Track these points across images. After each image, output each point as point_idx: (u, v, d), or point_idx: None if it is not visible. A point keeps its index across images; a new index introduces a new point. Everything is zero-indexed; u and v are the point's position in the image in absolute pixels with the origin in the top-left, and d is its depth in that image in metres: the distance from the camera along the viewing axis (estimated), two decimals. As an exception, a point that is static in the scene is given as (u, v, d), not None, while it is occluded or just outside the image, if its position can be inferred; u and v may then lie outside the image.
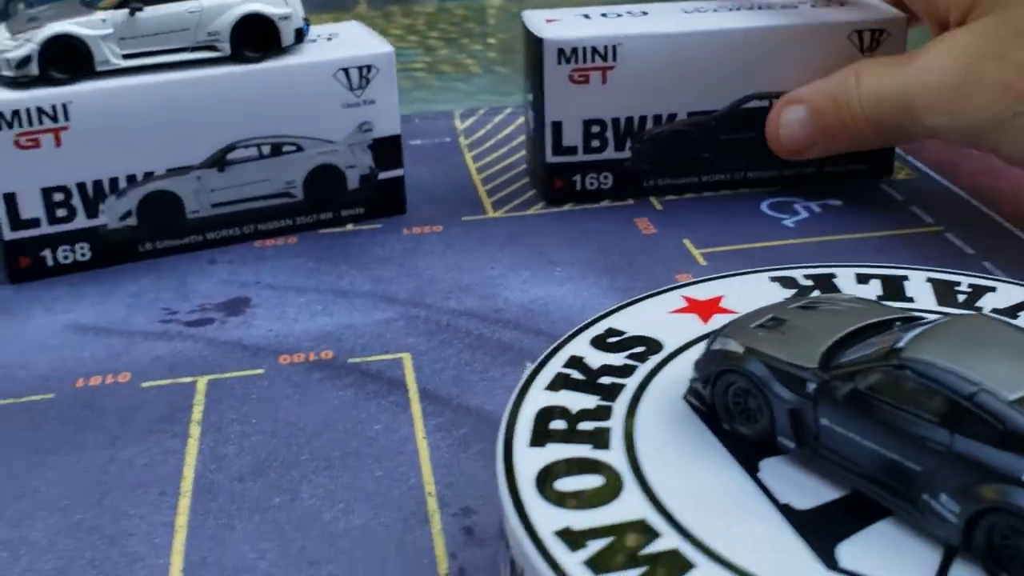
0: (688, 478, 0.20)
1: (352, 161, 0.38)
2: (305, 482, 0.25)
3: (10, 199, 0.34)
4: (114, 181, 0.35)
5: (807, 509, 0.19)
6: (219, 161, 0.36)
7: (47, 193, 0.34)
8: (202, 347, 0.31)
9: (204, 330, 0.32)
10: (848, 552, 0.18)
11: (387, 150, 0.38)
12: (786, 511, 0.19)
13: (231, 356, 0.31)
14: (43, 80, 0.33)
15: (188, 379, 0.29)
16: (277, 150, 0.37)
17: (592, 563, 0.18)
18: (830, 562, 0.18)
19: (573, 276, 0.35)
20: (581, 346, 0.24)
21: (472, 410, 0.28)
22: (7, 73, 0.33)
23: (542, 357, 0.24)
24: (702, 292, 0.26)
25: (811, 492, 0.20)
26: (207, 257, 0.36)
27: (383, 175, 0.39)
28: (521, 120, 0.49)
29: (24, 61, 0.33)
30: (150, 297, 0.34)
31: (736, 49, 0.38)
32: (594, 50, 0.37)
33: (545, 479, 0.20)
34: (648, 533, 0.19)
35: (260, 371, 0.30)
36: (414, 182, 0.41)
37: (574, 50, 0.37)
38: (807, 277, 0.26)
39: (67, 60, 0.34)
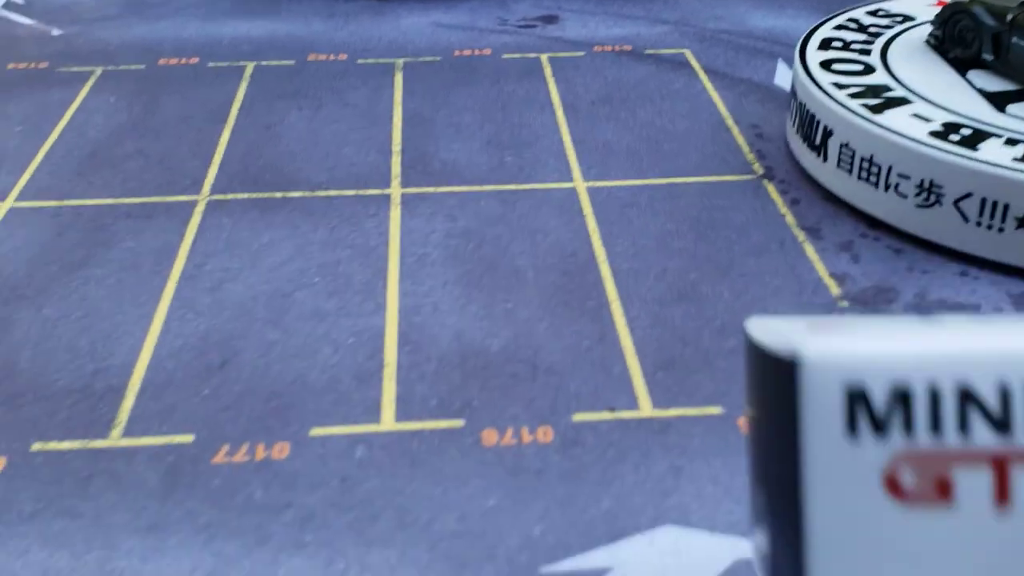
0: (918, 74, 0.33)
1: (625, -75, 0.50)
2: (638, 107, 0.38)
3: (383, -68, 0.47)
4: (456, -76, 0.48)
5: (994, 91, 0.32)
6: (531, -85, 0.48)
7: (408, -71, 0.47)
8: (534, 40, 0.44)
9: (531, 31, 0.45)
10: (1013, 108, 0.31)
11: (651, -81, 0.50)
12: (979, 91, 0.32)
13: (556, 44, 0.43)
14: None
15: (533, 55, 0.42)
16: (573, -90, 0.49)
17: (854, 95, 0.31)
18: (1001, 109, 0.30)
19: (802, 15, 0.47)
20: (857, 13, 0.36)
21: (743, 79, 0.40)
22: None
23: (827, 17, 0.36)
24: (949, -3, 0.38)
25: (998, 83, 0.32)
26: (516, -10, 0.49)
27: (645, -60, 0.51)
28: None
29: None
30: (483, 11, 0.47)
31: None
32: None
33: (824, 63, 0.33)
34: (886, 88, 0.31)
35: (581, 54, 0.43)
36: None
37: None
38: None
39: None
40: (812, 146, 0.32)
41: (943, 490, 0.11)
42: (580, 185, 0.33)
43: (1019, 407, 0.11)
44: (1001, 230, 0.27)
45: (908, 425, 0.11)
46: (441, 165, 0.34)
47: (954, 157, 0.27)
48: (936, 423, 0.11)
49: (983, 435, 0.11)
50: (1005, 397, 0.11)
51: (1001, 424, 0.11)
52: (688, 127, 0.37)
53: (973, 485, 0.11)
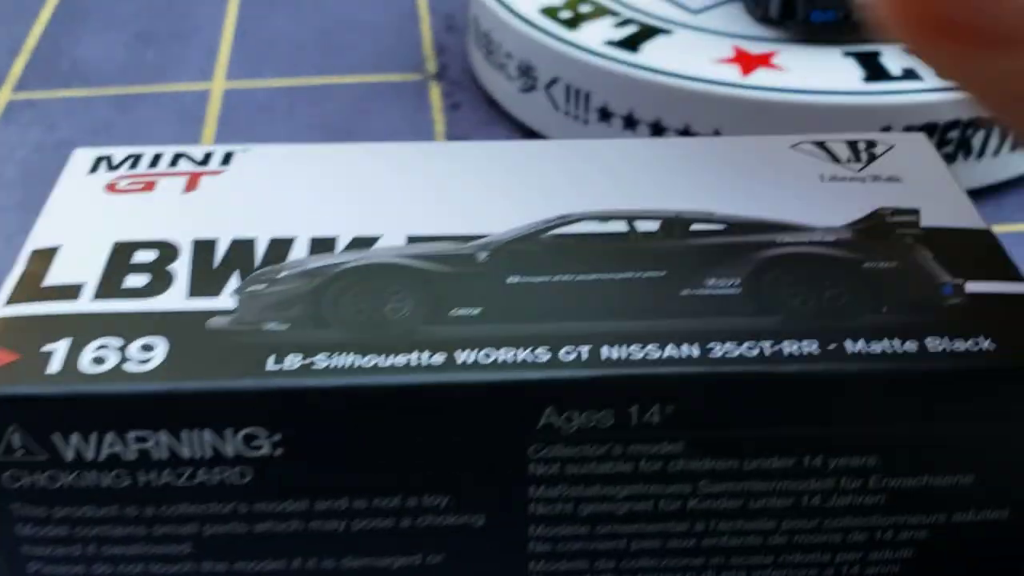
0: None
1: None
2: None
3: None
4: None
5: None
6: None
7: None
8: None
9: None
10: None
11: None
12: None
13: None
14: None
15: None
16: None
17: None
18: None
19: None
20: None
21: (462, -39, 0.37)
22: None
23: None
24: None
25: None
26: None
27: None
28: None
29: None
30: None
31: None
32: None
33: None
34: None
35: (294, -70, 0.39)
36: None
37: None
38: None
39: None
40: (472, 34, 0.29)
41: (148, 186, 0.17)
42: (218, 86, 0.30)
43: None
44: (586, 121, 0.25)
45: (134, 164, 0.18)
46: (71, 65, 0.31)
47: (546, 38, 0.25)
48: (156, 162, 0.18)
49: (187, 166, 0.18)
50: (228, 157, 0.18)
51: (203, 160, 0.18)
52: (374, 17, 0.34)
53: (171, 183, 0.17)
